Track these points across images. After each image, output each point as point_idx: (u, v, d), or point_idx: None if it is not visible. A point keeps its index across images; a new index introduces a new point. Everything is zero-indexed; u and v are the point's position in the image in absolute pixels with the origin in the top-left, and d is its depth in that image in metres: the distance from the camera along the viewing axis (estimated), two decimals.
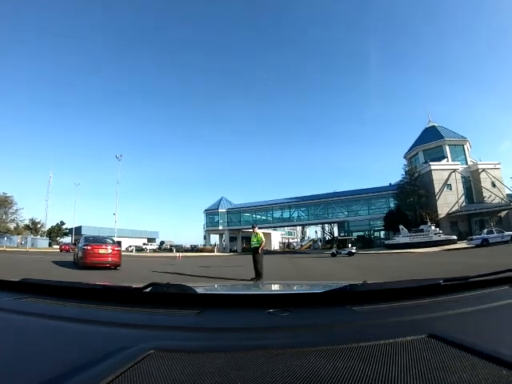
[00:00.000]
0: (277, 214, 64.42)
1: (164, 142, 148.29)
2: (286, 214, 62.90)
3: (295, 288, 2.69)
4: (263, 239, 12.36)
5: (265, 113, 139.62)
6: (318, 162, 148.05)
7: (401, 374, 0.79)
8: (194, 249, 69.98)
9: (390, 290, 1.47)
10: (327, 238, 74.22)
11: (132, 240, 78.96)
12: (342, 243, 38.70)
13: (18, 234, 68.44)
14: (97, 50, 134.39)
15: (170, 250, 66.67)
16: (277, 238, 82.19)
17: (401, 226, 42.42)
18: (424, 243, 38.04)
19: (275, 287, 2.99)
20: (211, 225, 69.28)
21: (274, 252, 60.41)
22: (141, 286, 1.42)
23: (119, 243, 19.90)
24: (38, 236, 73.07)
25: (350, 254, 33.57)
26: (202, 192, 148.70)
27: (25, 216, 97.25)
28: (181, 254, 38.54)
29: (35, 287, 1.61)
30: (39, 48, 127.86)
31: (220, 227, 67.36)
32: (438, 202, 45.80)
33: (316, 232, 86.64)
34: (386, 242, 44.52)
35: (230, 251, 62.97)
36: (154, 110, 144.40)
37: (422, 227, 40.95)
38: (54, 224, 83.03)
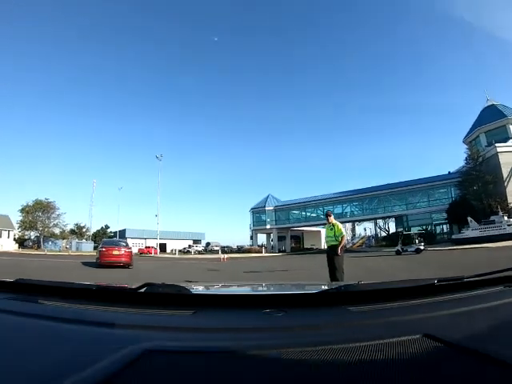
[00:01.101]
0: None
1: (206, 143, 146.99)
2: (338, 210, 58.78)
3: (290, 288, 2.66)
4: (343, 233, 9.24)
5: (305, 110, 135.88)
6: (354, 159, 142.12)
7: (395, 374, 0.81)
8: (240, 249, 67.27)
9: (385, 290, 1.48)
10: (380, 234, 70.45)
11: (177, 242, 77.98)
12: (407, 239, 35.04)
13: (64, 239, 71.28)
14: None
15: (216, 252, 65.44)
16: None
17: (469, 218, 38.17)
18: (497, 236, 33.38)
19: (270, 287, 2.91)
20: (258, 224, 67.02)
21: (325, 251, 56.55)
22: (136, 286, 1.42)
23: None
24: (84, 240, 74.72)
25: (418, 251, 30.17)
26: (248, 191, 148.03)
27: (69, 221, 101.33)
28: (226, 256, 35.75)
29: (30, 287, 1.61)
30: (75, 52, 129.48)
31: (267, 226, 64.65)
32: (507, 189, 40.95)
33: (365, 229, 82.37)
34: (454, 236, 40.29)
35: (279, 251, 60.30)
36: (192, 109, 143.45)
37: (492, 218, 36.51)
38: (99, 228, 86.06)
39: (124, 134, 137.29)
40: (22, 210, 67.39)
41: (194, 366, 0.85)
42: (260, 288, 2.78)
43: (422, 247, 30.99)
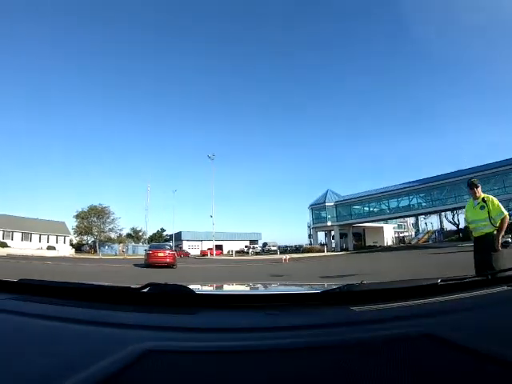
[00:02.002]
0: (393, 204, 56.17)
1: (260, 143, 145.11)
2: (405, 202, 54.62)
3: (293, 288, 2.71)
4: (504, 212, 5.90)
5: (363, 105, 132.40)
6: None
7: (398, 374, 0.81)
8: (299, 249, 64.71)
9: (388, 289, 1.50)
10: (445, 228, 66.44)
11: (233, 243, 76.20)
12: None
13: (120, 243, 72.41)
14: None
15: (274, 252, 63.32)
16: (389, 232, 72.91)
17: None
18: None
19: (273, 287, 2.99)
20: (318, 221, 63.18)
21: (392, 248, 53.54)
22: (139, 286, 1.43)
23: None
24: (140, 243, 75.47)
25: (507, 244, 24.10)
26: (303, 189, 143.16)
27: (126, 225, 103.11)
28: (288, 257, 32.10)
29: (33, 287, 1.62)
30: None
31: (328, 223, 60.38)
32: None
33: (426, 224, 77.69)
34: None
35: (341, 249, 56.75)
36: (243, 109, 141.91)
37: None
38: (155, 231, 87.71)
39: (176, 136, 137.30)
40: (77, 216, 68.60)
41: (196, 366, 0.86)
42: (262, 287, 2.86)
43: (510, 240, 25.76)
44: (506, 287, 1.55)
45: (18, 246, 55.07)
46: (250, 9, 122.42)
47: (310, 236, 73.18)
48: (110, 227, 71.75)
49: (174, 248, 29.09)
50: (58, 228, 67.70)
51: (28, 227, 62.92)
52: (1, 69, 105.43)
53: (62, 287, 1.60)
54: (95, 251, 64.51)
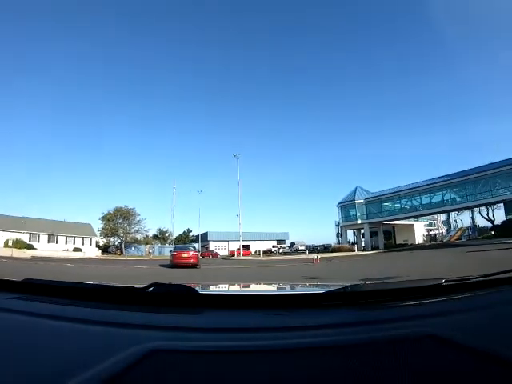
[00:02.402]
0: (425, 199, 53.48)
1: (286, 142, 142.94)
2: (437, 198, 52.09)
3: (295, 288, 2.75)
4: None
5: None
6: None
7: (401, 374, 0.82)
8: (327, 248, 62.67)
9: (392, 290, 1.51)
10: (478, 225, 64.04)
11: (260, 243, 74.95)
12: None
13: (147, 244, 72.90)
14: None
15: (303, 252, 62.06)
16: (420, 230, 70.08)
17: None
18: None
19: (276, 287, 2.94)
20: (347, 219, 61.04)
21: (425, 246, 51.63)
22: (143, 286, 1.45)
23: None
24: (166, 244, 75.43)
25: None
26: (330, 188, 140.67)
27: (151, 226, 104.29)
28: (319, 257, 29.42)
29: (37, 287, 1.64)
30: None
31: (358, 221, 58.29)
32: None
33: (456, 221, 75.03)
34: None
35: (372, 248, 54.68)
36: (272, 111, 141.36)
37: None
38: (181, 232, 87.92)
39: (202, 136, 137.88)
40: (102, 218, 68.78)
41: (200, 365, 0.87)
42: (268, 288, 2.85)
43: None
44: (510, 287, 1.55)
45: (44, 248, 55.32)
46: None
47: (338, 235, 71.40)
48: (136, 228, 71.65)
49: (199, 249, 32.82)
50: (84, 230, 67.76)
51: (54, 229, 63.31)
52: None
53: (66, 287, 1.61)
54: (121, 252, 64.66)
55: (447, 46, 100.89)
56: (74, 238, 65.39)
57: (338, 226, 70.65)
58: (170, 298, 1.42)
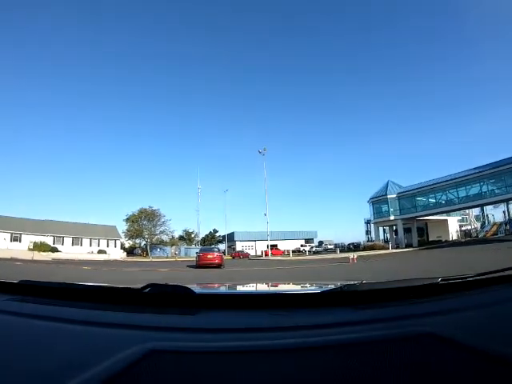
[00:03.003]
0: (462, 192, 50.05)
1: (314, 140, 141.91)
2: (474, 190, 48.66)
3: (294, 288, 2.77)
4: None
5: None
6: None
7: (400, 373, 0.84)
8: (358, 246, 60.55)
9: (388, 289, 1.51)
10: None
11: (288, 242, 73.31)
12: None
13: (173, 245, 71.42)
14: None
15: (332, 251, 60.12)
16: (454, 226, 66.35)
17: None
18: None
19: (274, 287, 2.95)
20: (379, 215, 58.25)
21: (461, 243, 48.13)
22: (139, 286, 1.44)
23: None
24: (193, 245, 74.34)
25: None
26: (356, 186, 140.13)
27: (176, 227, 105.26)
28: (355, 256, 26.82)
29: (34, 289, 1.63)
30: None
31: (391, 217, 55.35)
32: None
33: (487, 216, 71.54)
34: None
35: (405, 246, 51.91)
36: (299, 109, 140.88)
37: None
38: (207, 232, 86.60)
39: (228, 134, 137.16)
40: (127, 220, 68.16)
41: (198, 366, 0.87)
42: (264, 288, 2.86)
43: None
44: (507, 286, 1.55)
45: (68, 251, 55.16)
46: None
47: (367, 232, 70.00)
48: (161, 229, 70.91)
49: (226, 249, 35.35)
50: (108, 232, 67.24)
51: (78, 232, 62.99)
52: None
53: (62, 288, 1.59)
54: (147, 254, 63.89)
55: None
56: (99, 240, 64.91)
57: (366, 223, 69.22)
58: (168, 299, 1.41)
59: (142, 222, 67.49)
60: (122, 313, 1.31)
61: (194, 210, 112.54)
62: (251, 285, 3.09)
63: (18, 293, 1.58)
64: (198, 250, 30.07)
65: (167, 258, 58.57)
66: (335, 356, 0.91)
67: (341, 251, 51.89)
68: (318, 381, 0.82)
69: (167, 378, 0.83)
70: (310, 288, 2.39)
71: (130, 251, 73.42)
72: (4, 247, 48.68)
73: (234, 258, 59.30)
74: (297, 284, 3.25)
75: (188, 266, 26.76)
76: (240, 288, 2.77)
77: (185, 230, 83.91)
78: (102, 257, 53.15)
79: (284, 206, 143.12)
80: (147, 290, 1.40)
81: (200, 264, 24.73)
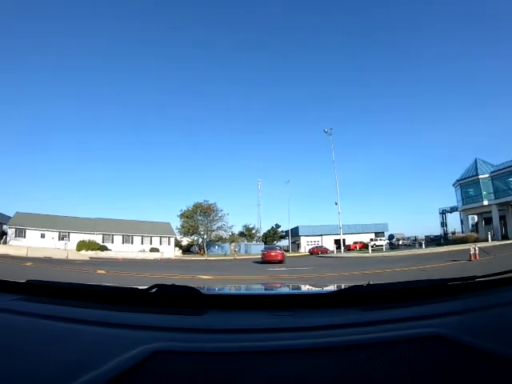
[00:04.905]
0: None
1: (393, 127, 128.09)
2: None
3: (300, 288, 2.74)
4: None
5: None
6: None
7: (407, 375, 0.83)
8: (438, 239, 52.04)
9: (396, 290, 1.52)
10: None
11: (356, 236, 65.41)
12: None
13: (232, 242, 65.99)
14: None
15: (410, 245, 51.12)
16: None
17: None
18: None
19: (280, 288, 3.02)
20: (468, 201, 47.51)
21: None
22: (146, 287, 1.45)
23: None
24: (253, 241, 69.74)
25: None
26: (427, 175, 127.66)
27: (235, 222, 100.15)
28: (477, 249, 18.34)
29: (41, 289, 1.65)
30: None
31: (485, 202, 44.61)
32: None
33: None
34: None
35: (502, 237, 40.96)
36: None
37: None
38: (269, 228, 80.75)
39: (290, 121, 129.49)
40: (181, 215, 63.77)
41: (204, 366, 0.87)
42: (269, 289, 2.85)
43: None
44: None
45: (118, 249, 51.72)
46: None
47: (442, 224, 60.94)
48: (218, 225, 65.45)
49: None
50: (162, 229, 62.89)
51: (129, 229, 59.61)
52: None
53: (69, 288, 1.61)
54: (204, 252, 59.05)
55: None
56: (151, 237, 60.72)
57: (442, 213, 60.37)
58: (174, 299, 1.42)
59: (198, 217, 62.93)
60: (129, 313, 1.32)
61: (253, 204, 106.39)
62: (257, 285, 3.41)
63: (25, 293, 1.58)
64: (262, 248, 35.31)
65: (225, 255, 53.57)
66: (344, 357, 0.90)
67: (419, 245, 43.66)
68: (326, 381, 0.81)
69: (173, 378, 0.82)
70: (317, 289, 2.37)
71: (187, 249, 69.51)
72: (52, 246, 46.48)
73: (311, 253, 54.59)
74: (304, 285, 3.63)
75: (254, 262, 29.49)
76: (247, 289, 2.92)
77: (245, 226, 78.41)
78: (152, 255, 48.90)
79: (348, 198, 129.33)
80: (153, 290, 1.41)
81: (265, 260, 28.21)
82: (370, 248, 42.16)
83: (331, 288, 1.86)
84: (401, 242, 62.70)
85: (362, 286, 1.53)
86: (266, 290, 2.62)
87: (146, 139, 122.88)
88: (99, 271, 17.63)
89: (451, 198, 52.94)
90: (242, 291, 2.45)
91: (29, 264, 21.32)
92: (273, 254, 28.93)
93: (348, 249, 55.45)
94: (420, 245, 43.49)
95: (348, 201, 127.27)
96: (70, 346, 1.00)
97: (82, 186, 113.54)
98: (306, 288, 2.72)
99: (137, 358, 0.88)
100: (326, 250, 55.80)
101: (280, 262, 27.39)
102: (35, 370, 0.86)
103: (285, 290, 2.63)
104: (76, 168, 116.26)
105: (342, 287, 1.60)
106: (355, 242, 59.33)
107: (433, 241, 52.11)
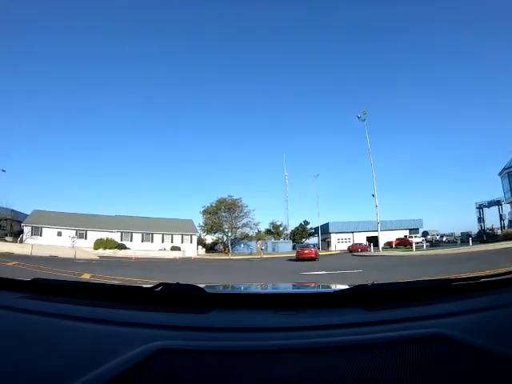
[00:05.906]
0: None
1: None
2: None
3: (304, 288, 2.73)
4: None
5: None
6: None
7: (410, 375, 0.83)
8: (480, 236, 46.91)
9: (400, 290, 1.52)
10: None
11: (389, 233, 60.38)
12: None
13: (259, 240, 60.89)
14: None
15: (451, 242, 46.31)
16: None
17: None
18: None
19: (283, 287, 3.00)
20: None
21: None
22: (150, 285, 1.46)
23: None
24: (281, 239, 65.54)
25: None
26: (461, 168, 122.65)
27: (262, 219, 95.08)
28: None
29: (46, 287, 1.65)
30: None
31: None
32: None
33: None
34: None
35: None
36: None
37: None
38: (297, 224, 75.62)
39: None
40: (204, 212, 59.60)
41: (208, 365, 0.88)
42: (273, 288, 2.93)
43: None
44: None
45: (137, 248, 49.05)
46: None
47: (479, 220, 57.30)
48: (244, 222, 60.83)
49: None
50: (183, 227, 59.39)
51: (149, 227, 56.53)
52: None
53: (74, 286, 1.63)
54: (229, 250, 55.32)
55: None
56: (172, 235, 57.41)
57: (479, 208, 56.61)
58: (178, 298, 1.42)
59: (222, 213, 58.76)
60: (133, 311, 1.32)
61: (281, 200, 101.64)
62: (261, 285, 3.26)
63: (30, 291, 1.58)
64: (298, 247, 37.54)
65: (251, 254, 50.10)
66: (348, 357, 0.90)
67: (462, 242, 41.20)
68: (330, 381, 0.81)
69: (177, 377, 0.82)
70: (320, 288, 2.38)
71: (211, 247, 66.11)
72: (69, 244, 43.94)
73: (351, 251, 51.10)
74: (308, 285, 3.27)
75: (287, 260, 31.21)
76: (250, 288, 2.82)
77: (272, 223, 72.63)
78: (173, 254, 45.77)
79: (381, 193, 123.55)
80: (158, 289, 1.41)
81: (299, 257, 29.67)
82: (414, 246, 38.53)
83: (334, 287, 1.89)
84: (444, 239, 58.42)
85: (365, 285, 1.50)
86: (269, 289, 2.72)
87: (177, 139, 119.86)
88: (83, 276, 14.42)
89: (487, 193, 47.62)
90: (246, 290, 2.44)
91: (11, 264, 19.01)
92: (306, 251, 30.07)
93: (390, 246, 51.97)
94: (463, 242, 39.95)
95: (380, 196, 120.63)
96: (75, 344, 1.01)
97: (103, 183, 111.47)
98: (309, 287, 2.70)
99: (141, 355, 0.88)
100: (366, 248, 51.81)
101: (313, 259, 28.82)
102: (39, 368, 0.87)
103: (290, 289, 2.61)
104: (97, 166, 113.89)
105: (346, 287, 1.60)
106: (398, 239, 55.23)
107: (471, 237, 46.74)
